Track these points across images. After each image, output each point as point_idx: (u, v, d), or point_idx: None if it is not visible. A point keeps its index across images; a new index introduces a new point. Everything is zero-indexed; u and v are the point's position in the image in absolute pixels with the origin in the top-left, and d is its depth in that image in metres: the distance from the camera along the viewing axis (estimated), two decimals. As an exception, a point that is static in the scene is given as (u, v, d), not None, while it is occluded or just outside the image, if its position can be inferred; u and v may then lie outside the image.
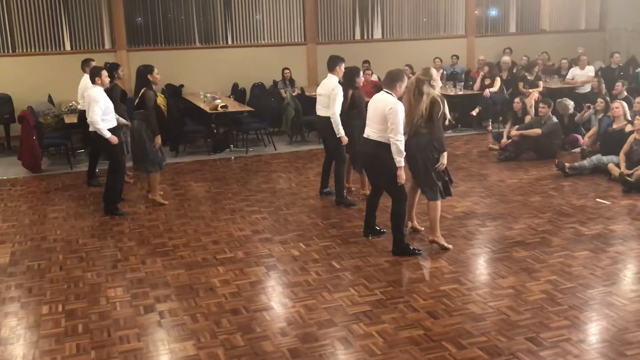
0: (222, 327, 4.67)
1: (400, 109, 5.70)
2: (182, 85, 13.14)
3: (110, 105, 7.53)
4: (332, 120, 7.38)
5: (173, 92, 12.59)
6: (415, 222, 6.60)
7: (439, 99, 5.77)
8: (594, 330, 4.48)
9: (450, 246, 6.06)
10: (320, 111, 7.65)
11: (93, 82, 7.50)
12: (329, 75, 7.61)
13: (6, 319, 4.95)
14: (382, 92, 5.91)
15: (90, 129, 7.52)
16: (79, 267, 5.96)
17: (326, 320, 4.73)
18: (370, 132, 5.95)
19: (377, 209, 6.45)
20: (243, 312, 4.91)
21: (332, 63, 7.63)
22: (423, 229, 6.56)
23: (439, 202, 6.01)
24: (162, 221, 7.27)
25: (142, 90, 7.52)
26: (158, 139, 7.55)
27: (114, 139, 7.38)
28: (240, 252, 6.24)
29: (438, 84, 6.04)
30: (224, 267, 5.84)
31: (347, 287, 5.30)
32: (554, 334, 4.42)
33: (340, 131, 7.40)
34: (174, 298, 5.21)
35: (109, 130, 7.38)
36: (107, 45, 12.82)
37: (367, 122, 6.03)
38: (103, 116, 7.35)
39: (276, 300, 5.14)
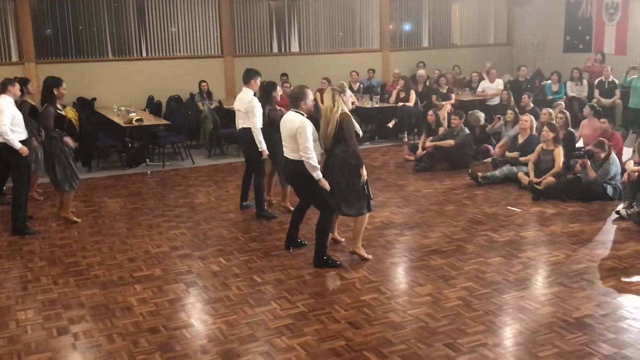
0: (140, 347, 4.54)
1: (308, 127, 5.78)
2: (94, 99, 12.77)
3: (19, 116, 7.22)
4: (253, 133, 7.35)
5: (85, 105, 12.21)
6: (336, 233, 6.65)
7: (347, 115, 5.84)
8: (509, 334, 4.63)
9: (370, 257, 6.13)
10: (240, 124, 7.61)
11: (3, 91, 7.19)
12: (244, 89, 7.60)
13: None
14: (290, 111, 5.98)
15: (0, 139, 7.17)
16: (-14, 289, 5.66)
17: (248, 335, 4.68)
18: (287, 151, 6.01)
19: (301, 222, 6.46)
20: (162, 331, 4.79)
21: (248, 76, 7.63)
22: (344, 239, 6.61)
23: (366, 216, 6.08)
24: (75, 239, 7.01)
25: (44, 107, 7.29)
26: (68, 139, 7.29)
27: (25, 150, 7.07)
28: (157, 269, 6.09)
29: (349, 101, 6.13)
30: (141, 285, 5.69)
31: (269, 301, 5.27)
32: (470, 339, 4.54)
33: (261, 145, 7.38)
34: (88, 319, 5.02)
35: (20, 142, 7.08)
36: (15, 58, 12.32)
37: (282, 142, 6.06)
38: (12, 127, 7.04)
39: (196, 317, 5.05)
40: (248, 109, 7.38)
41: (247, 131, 7.41)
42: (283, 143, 6.05)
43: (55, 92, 7.26)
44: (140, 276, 5.89)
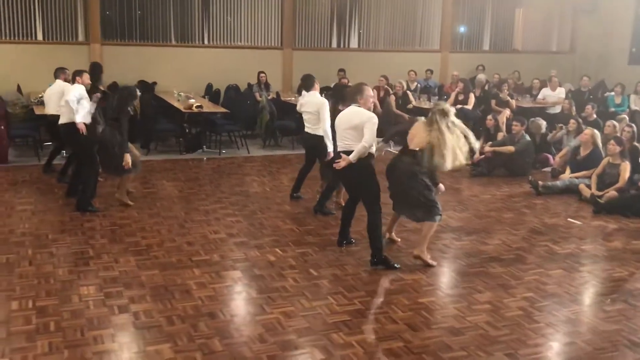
0: (199, 330, 4.58)
1: (375, 121, 5.77)
2: (155, 83, 12.97)
3: (87, 103, 7.62)
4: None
5: (146, 88, 12.40)
6: (393, 233, 6.60)
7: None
8: (570, 349, 4.51)
9: (434, 263, 6.01)
10: (309, 129, 7.71)
11: (74, 81, 7.70)
12: (312, 92, 7.67)
13: (-27, 313, 4.78)
14: (351, 106, 5.97)
15: (60, 121, 7.57)
16: (50, 262, 5.79)
17: (305, 328, 4.68)
18: (343, 145, 5.95)
19: (352, 218, 6.42)
20: (220, 316, 4.82)
21: (310, 82, 7.75)
22: (400, 240, 6.57)
23: (436, 224, 6.03)
24: (135, 220, 7.13)
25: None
26: (127, 157, 7.34)
27: (82, 127, 7.42)
28: (215, 254, 6.15)
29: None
30: (199, 269, 5.75)
31: (325, 296, 5.26)
32: (531, 350, 4.45)
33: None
34: (148, 299, 5.09)
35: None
36: (81, 38, 12.59)
37: (337, 136, 6.05)
38: (78, 107, 7.44)
39: (254, 305, 5.07)
40: (319, 111, 7.47)
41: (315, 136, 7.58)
42: (338, 137, 6.03)
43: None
44: (198, 260, 5.95)
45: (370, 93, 6.00)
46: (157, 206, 7.68)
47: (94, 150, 7.50)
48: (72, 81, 7.83)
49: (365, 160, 5.83)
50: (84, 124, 7.51)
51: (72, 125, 7.47)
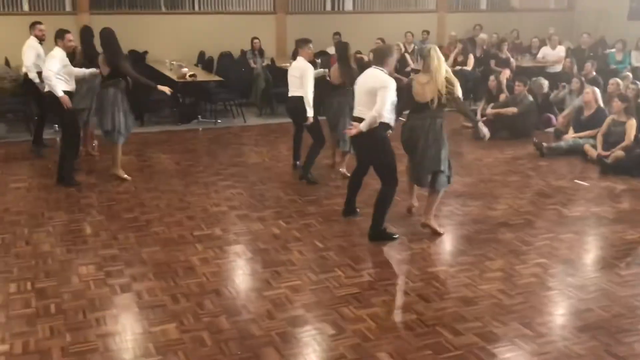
0: (205, 309, 4.43)
1: (392, 87, 5.39)
2: (146, 52, 12.64)
3: (70, 68, 7.26)
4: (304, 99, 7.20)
5: (137, 58, 12.09)
6: (415, 199, 6.38)
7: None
8: (589, 316, 4.37)
9: (442, 231, 5.83)
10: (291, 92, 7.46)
11: (57, 43, 7.18)
12: (299, 58, 7.41)
13: (-30, 297, 4.61)
14: (372, 68, 5.57)
15: (46, 89, 7.16)
16: (47, 242, 5.62)
17: (314, 302, 4.54)
18: (361, 110, 5.57)
19: (360, 188, 6.21)
20: (226, 293, 4.67)
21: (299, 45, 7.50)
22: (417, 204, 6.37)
23: (443, 190, 5.87)
24: (132, 194, 6.94)
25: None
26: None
27: (66, 100, 7.02)
28: (217, 228, 5.98)
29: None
30: (202, 244, 5.58)
31: (332, 268, 5.11)
32: (548, 319, 4.34)
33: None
34: (151, 277, 4.93)
35: (65, 92, 7.06)
36: (68, 8, 12.23)
37: (355, 100, 5.71)
38: (59, 76, 7.03)
39: (260, 280, 4.91)
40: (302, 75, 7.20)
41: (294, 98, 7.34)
42: (356, 101, 5.67)
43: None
44: (200, 235, 5.79)
45: (396, 56, 5.64)
46: (155, 180, 7.49)
47: (77, 118, 7.27)
48: (56, 42, 7.20)
49: (379, 130, 5.47)
50: (68, 92, 7.11)
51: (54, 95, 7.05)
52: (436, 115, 5.58)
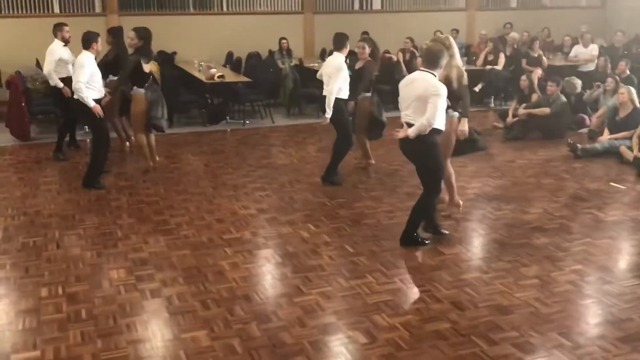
0: (236, 315, 4.39)
1: (444, 94, 5.17)
2: (174, 53, 12.68)
3: (98, 74, 7.21)
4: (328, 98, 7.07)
5: (166, 59, 12.11)
6: (456, 196, 6.31)
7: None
8: (630, 327, 4.23)
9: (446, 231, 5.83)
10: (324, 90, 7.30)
11: (87, 47, 7.12)
12: (335, 54, 7.25)
13: (1, 301, 4.62)
14: (421, 71, 5.30)
15: (75, 96, 7.09)
16: (78, 245, 5.63)
17: (346, 309, 4.47)
18: (410, 117, 5.31)
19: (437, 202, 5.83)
20: (256, 299, 4.63)
21: (337, 42, 7.28)
22: (462, 203, 6.33)
23: None
24: (162, 197, 6.94)
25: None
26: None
27: (98, 110, 6.98)
28: (247, 232, 5.94)
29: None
30: (231, 248, 5.55)
31: (364, 274, 5.03)
32: (586, 328, 4.21)
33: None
34: (181, 281, 4.91)
35: (95, 100, 7.03)
36: (98, 9, 12.32)
37: (401, 105, 5.45)
38: (89, 85, 6.98)
39: (290, 286, 4.85)
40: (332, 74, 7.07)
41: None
42: (403, 105, 5.37)
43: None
44: (230, 239, 5.75)
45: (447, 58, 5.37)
46: (184, 182, 7.48)
47: (107, 123, 7.30)
48: (86, 46, 7.10)
49: (428, 136, 5.20)
50: (99, 100, 7.09)
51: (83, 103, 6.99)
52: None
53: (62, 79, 8.17)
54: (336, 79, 7.02)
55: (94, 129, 7.33)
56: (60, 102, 8.47)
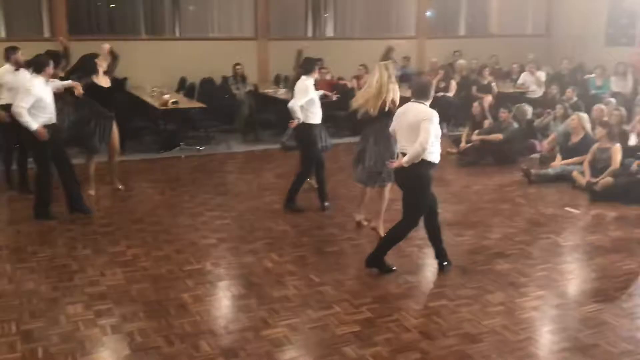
0: (201, 350, 4.25)
1: (435, 119, 5.22)
2: (125, 78, 12.44)
3: (48, 99, 6.77)
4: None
5: (117, 85, 11.87)
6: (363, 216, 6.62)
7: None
8: (596, 353, 4.27)
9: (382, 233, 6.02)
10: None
11: (39, 72, 6.83)
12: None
13: (-49, 341, 4.37)
14: (414, 102, 5.35)
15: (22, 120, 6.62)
16: (31, 279, 5.38)
17: (315, 342, 4.38)
18: (405, 146, 5.34)
19: (440, 232, 5.62)
20: (222, 333, 4.50)
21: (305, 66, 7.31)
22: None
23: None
24: (117, 226, 6.74)
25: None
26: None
27: (42, 133, 6.58)
28: (208, 262, 5.80)
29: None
30: (192, 280, 5.40)
31: (330, 304, 4.95)
32: (557, 357, 4.23)
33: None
34: (142, 316, 4.73)
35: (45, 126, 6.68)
36: (46, 34, 12.01)
37: (398, 135, 5.48)
38: (34, 110, 6.57)
39: (256, 319, 4.73)
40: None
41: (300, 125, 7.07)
42: (399, 136, 5.44)
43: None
44: (190, 270, 5.60)
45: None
46: (140, 211, 7.29)
47: (51, 151, 6.84)
48: (38, 71, 6.76)
49: (421, 167, 5.22)
50: (45, 126, 6.68)
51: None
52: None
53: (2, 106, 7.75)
54: (299, 98, 6.97)
55: (34, 155, 6.96)
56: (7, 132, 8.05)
